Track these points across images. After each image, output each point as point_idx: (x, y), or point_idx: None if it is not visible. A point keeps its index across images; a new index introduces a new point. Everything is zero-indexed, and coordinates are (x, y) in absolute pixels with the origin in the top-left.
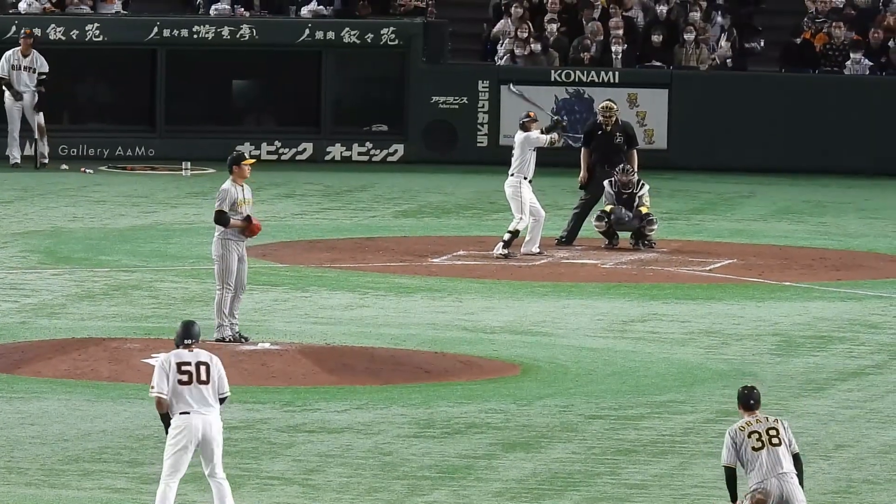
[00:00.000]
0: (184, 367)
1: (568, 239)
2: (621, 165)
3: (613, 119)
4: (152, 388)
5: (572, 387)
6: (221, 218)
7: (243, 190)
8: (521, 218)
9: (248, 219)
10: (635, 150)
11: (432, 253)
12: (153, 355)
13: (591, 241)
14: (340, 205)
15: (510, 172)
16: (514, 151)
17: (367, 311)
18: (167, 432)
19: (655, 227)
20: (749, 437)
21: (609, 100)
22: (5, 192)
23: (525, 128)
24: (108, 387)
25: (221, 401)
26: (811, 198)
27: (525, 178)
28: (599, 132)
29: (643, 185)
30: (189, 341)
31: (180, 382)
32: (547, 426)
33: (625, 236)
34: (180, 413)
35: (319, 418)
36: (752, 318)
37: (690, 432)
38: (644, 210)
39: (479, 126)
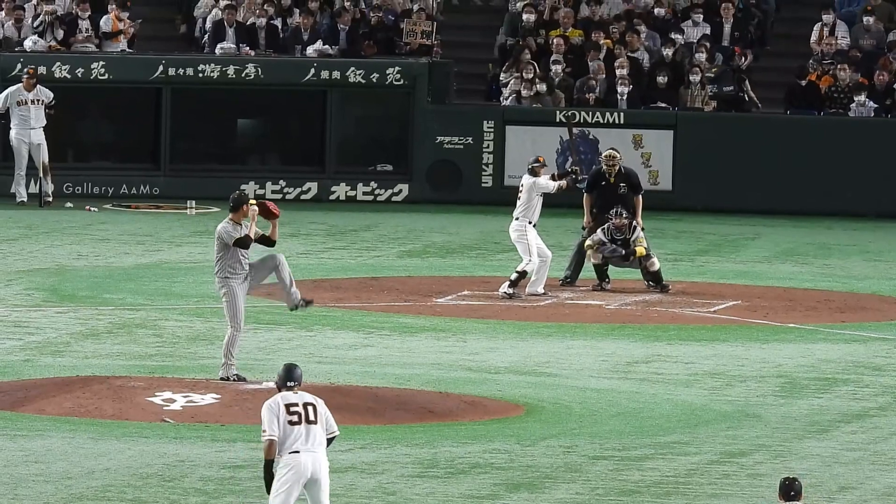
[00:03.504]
0: (292, 408)
1: (572, 278)
2: (615, 209)
3: (617, 168)
4: (264, 432)
5: (576, 427)
6: (244, 241)
7: (241, 228)
8: (529, 260)
9: (261, 206)
10: (640, 196)
11: (437, 293)
12: (157, 393)
13: (593, 281)
14: (345, 244)
15: (515, 216)
16: (520, 195)
17: (372, 350)
18: (267, 478)
19: (654, 261)
20: None
21: (612, 148)
22: (10, 230)
23: (534, 172)
24: (112, 425)
25: (330, 440)
26: (816, 240)
27: (529, 223)
28: (603, 182)
29: (635, 228)
30: (292, 384)
31: (290, 423)
32: (551, 467)
33: (617, 273)
34: (290, 452)
35: None
36: (756, 359)
37: (694, 474)
38: (640, 251)
39: (483, 166)
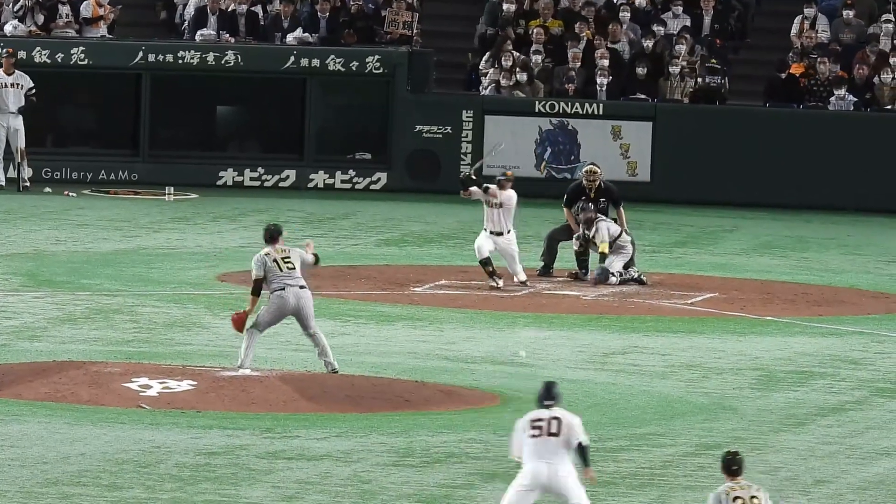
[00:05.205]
0: (536, 423)
1: (547, 267)
2: (581, 203)
3: (597, 183)
4: (513, 452)
5: None
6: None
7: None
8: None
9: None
10: (622, 208)
11: (414, 282)
12: (133, 379)
13: (570, 270)
14: (323, 232)
15: (507, 229)
16: (508, 209)
17: (348, 339)
18: None
19: (613, 280)
20: (733, 502)
21: (593, 163)
22: None
23: (502, 186)
24: (88, 410)
25: (581, 452)
26: (793, 233)
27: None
28: (583, 197)
29: (597, 228)
30: (549, 402)
31: (531, 436)
32: None
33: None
34: (536, 461)
35: (299, 445)
36: (732, 352)
37: (670, 465)
38: (603, 248)
39: (462, 156)
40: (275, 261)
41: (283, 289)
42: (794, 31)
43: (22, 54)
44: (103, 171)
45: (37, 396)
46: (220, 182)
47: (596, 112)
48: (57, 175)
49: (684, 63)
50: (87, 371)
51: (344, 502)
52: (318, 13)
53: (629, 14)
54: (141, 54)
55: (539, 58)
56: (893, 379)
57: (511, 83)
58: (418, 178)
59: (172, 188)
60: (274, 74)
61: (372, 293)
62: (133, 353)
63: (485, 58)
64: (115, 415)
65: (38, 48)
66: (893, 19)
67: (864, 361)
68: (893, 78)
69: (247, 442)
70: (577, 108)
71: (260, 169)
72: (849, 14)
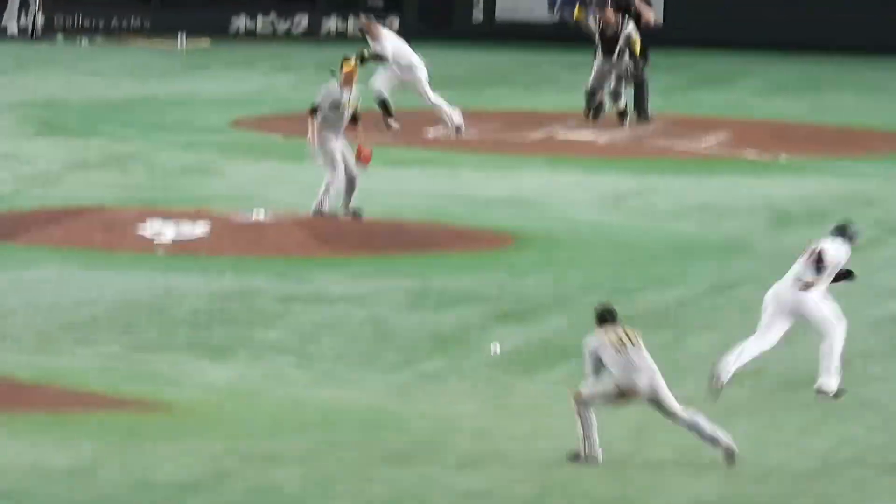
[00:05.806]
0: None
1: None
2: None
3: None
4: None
5: (566, 259)
6: (312, 112)
7: (349, 91)
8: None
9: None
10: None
11: (427, 125)
12: (147, 225)
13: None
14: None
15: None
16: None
17: (363, 183)
18: None
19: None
20: (617, 344)
21: None
22: (1, 63)
23: (372, 33)
24: (103, 255)
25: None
26: (808, 73)
27: None
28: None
29: (629, 22)
30: (835, 234)
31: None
32: (541, 297)
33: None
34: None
35: (314, 288)
36: (746, 192)
37: (684, 305)
38: (636, 48)
39: (474, 1)
40: None
41: None
42: None
43: None
44: (115, 19)
45: (51, 242)
46: (232, 30)
47: None
48: (69, 23)
49: None
50: (102, 217)
51: (360, 343)
52: None
53: None
54: None
55: None
56: None
57: None
58: (430, 23)
59: (185, 35)
60: None
61: (385, 138)
62: (147, 199)
63: None
64: (129, 260)
65: None
66: None
67: (879, 201)
68: None
69: (261, 285)
70: None
71: (272, 16)
72: None
